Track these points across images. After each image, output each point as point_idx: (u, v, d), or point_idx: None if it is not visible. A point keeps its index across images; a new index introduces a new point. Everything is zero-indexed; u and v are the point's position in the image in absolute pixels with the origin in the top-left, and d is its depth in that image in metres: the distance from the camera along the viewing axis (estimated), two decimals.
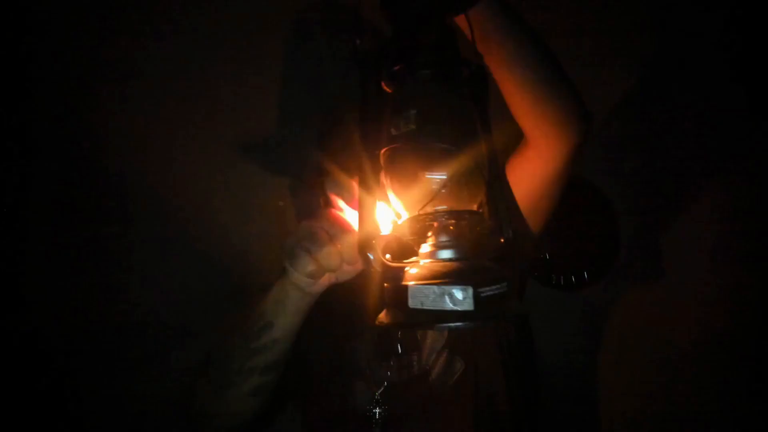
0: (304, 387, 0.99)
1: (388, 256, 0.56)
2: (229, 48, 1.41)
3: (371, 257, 0.54)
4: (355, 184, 0.65)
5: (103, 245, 1.39)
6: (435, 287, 0.51)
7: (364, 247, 0.54)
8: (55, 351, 1.37)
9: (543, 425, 1.11)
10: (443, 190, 0.54)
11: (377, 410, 0.92)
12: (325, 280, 0.75)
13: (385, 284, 0.55)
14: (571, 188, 1.33)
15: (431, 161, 0.54)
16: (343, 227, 0.70)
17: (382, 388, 0.94)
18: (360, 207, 0.55)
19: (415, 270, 0.53)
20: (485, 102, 0.57)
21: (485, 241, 0.57)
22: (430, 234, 0.55)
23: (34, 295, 1.37)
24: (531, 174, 0.90)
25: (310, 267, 0.69)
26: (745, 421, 1.35)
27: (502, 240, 0.57)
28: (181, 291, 1.39)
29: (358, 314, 0.97)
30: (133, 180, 1.39)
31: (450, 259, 0.54)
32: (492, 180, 0.56)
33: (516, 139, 0.89)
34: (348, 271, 0.75)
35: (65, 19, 1.38)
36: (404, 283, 0.52)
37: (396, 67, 0.55)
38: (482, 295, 0.51)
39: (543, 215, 0.95)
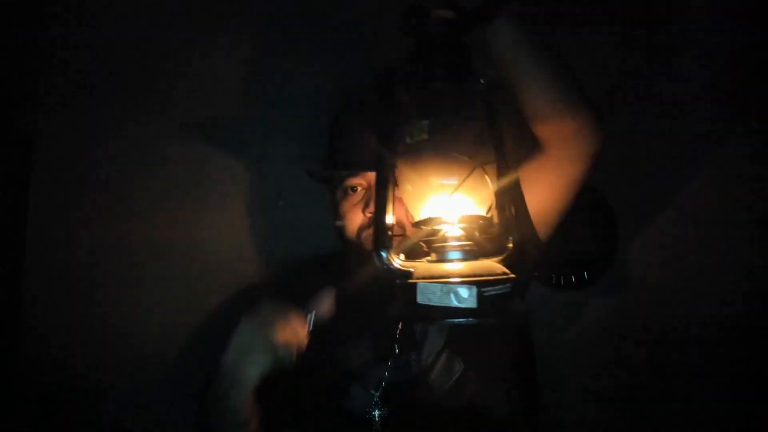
0: (301, 393, 1.04)
1: (402, 255, 0.64)
2: (229, 47, 1.47)
3: (384, 255, 0.61)
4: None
5: (99, 249, 1.46)
6: (441, 285, 0.57)
7: (379, 246, 0.62)
8: (59, 357, 1.44)
9: (543, 426, 1.12)
10: (454, 195, 0.61)
11: (376, 412, 0.96)
12: None
13: (397, 281, 0.62)
14: None
15: (442, 168, 0.61)
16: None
17: (381, 390, 0.98)
18: (375, 209, 0.63)
19: (424, 268, 0.60)
20: (497, 112, 0.63)
21: (493, 244, 0.62)
22: (440, 235, 0.62)
23: (34, 299, 1.45)
24: (546, 183, 0.93)
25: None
26: (746, 421, 1.34)
27: (510, 245, 0.62)
28: (180, 293, 1.46)
29: (352, 318, 1.03)
30: (129, 180, 1.47)
31: (457, 260, 0.60)
32: (501, 187, 0.61)
33: (528, 147, 0.93)
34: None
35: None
36: (413, 280, 0.59)
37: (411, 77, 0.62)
38: (485, 294, 0.57)
39: (553, 223, 0.98)
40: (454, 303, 0.57)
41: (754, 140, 1.38)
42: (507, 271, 0.59)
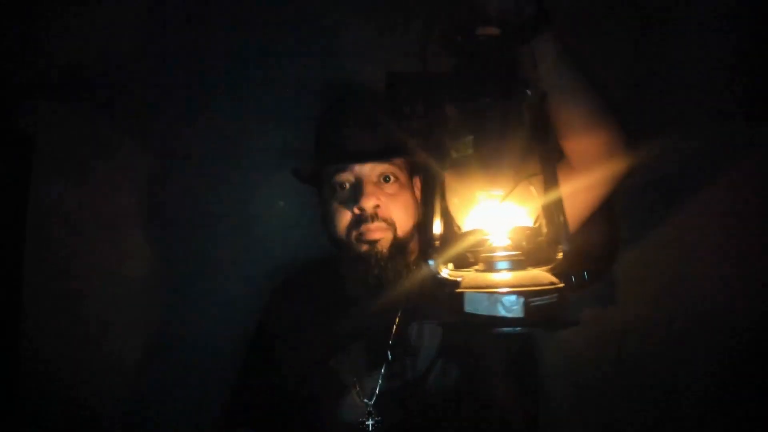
0: (293, 404, 1.06)
1: (450, 265, 0.67)
2: (227, 50, 1.51)
3: (432, 265, 0.64)
4: None
5: (99, 249, 1.49)
6: (488, 294, 0.60)
7: (427, 255, 0.65)
8: (59, 357, 1.47)
9: (543, 426, 1.14)
10: (500, 207, 0.64)
11: (370, 422, 0.98)
12: None
13: (446, 290, 0.64)
14: None
15: (488, 181, 0.64)
16: None
17: (375, 398, 0.99)
18: (423, 219, 0.66)
19: (471, 278, 0.63)
20: (544, 123, 0.66)
21: (541, 254, 0.65)
22: (487, 246, 0.65)
23: (34, 300, 1.49)
24: (571, 199, 0.93)
25: None
26: (747, 421, 1.37)
27: (560, 255, 0.65)
28: (181, 293, 1.49)
29: (341, 329, 1.07)
30: (128, 181, 1.51)
31: (505, 270, 0.63)
32: (549, 198, 0.64)
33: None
34: None
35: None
36: (460, 290, 0.62)
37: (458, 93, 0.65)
38: (532, 303, 0.60)
39: None
40: (501, 312, 0.60)
41: (756, 140, 1.41)
42: (555, 280, 0.62)
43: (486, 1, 0.65)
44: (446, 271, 0.65)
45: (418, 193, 1.14)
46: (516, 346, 1.07)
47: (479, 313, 0.61)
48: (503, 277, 0.63)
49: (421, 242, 0.66)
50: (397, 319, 1.06)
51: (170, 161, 1.51)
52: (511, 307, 0.60)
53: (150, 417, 1.47)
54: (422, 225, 0.67)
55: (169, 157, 1.51)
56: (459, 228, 0.68)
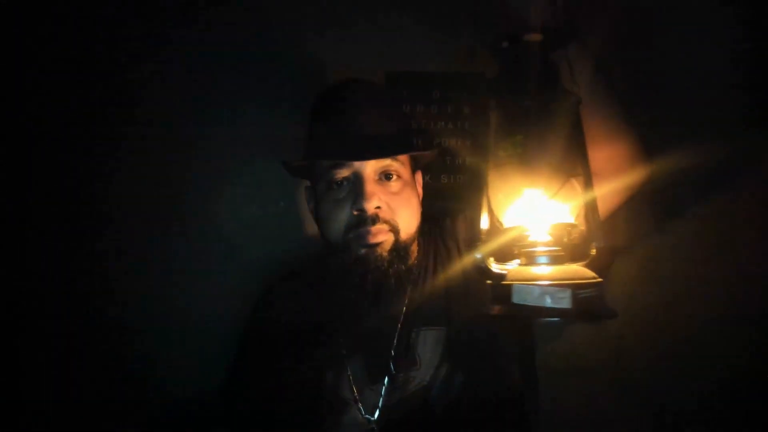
0: (289, 423, 1.01)
1: (491, 258, 0.72)
2: (227, 49, 1.52)
3: (479, 257, 0.69)
4: None
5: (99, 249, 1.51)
6: (538, 287, 0.66)
7: (474, 251, 0.70)
8: (59, 357, 1.48)
9: (543, 426, 1.15)
10: (544, 204, 0.69)
11: None
12: None
13: (489, 282, 0.70)
14: None
15: (534, 179, 0.69)
16: None
17: (377, 414, 0.96)
18: (472, 217, 0.71)
19: (516, 271, 0.69)
20: (581, 127, 0.71)
21: (580, 249, 0.71)
22: (531, 241, 0.70)
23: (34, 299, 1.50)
24: None
25: None
26: (746, 421, 1.41)
27: (593, 251, 0.71)
28: (181, 293, 1.50)
29: (338, 340, 1.03)
30: (128, 181, 1.51)
31: (546, 264, 0.69)
32: (587, 196, 0.70)
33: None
34: None
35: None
36: (508, 282, 0.67)
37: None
38: (579, 296, 0.65)
39: None
40: (549, 304, 0.66)
41: (756, 141, 1.44)
42: (594, 275, 0.67)
43: (528, 9, 0.70)
44: (494, 265, 0.70)
45: (419, 188, 1.09)
46: (516, 347, 1.08)
47: (527, 304, 0.66)
48: (546, 270, 0.68)
49: (471, 236, 0.70)
50: (399, 326, 1.02)
51: (170, 161, 1.53)
52: (559, 298, 0.65)
53: (149, 415, 1.49)
54: (469, 219, 0.71)
55: (169, 157, 1.53)
56: (500, 223, 0.73)
